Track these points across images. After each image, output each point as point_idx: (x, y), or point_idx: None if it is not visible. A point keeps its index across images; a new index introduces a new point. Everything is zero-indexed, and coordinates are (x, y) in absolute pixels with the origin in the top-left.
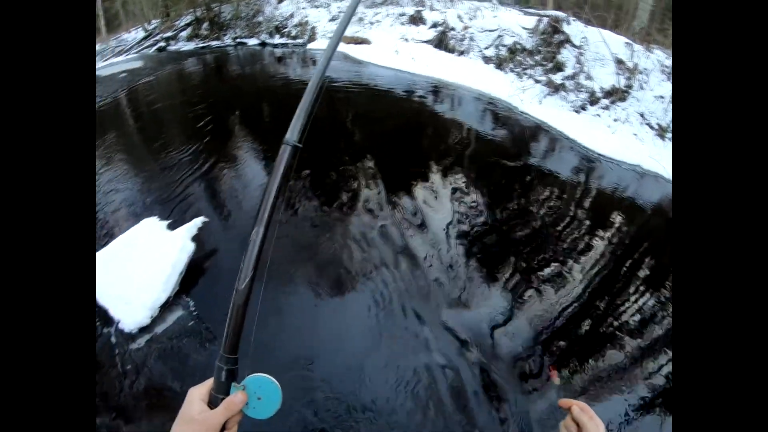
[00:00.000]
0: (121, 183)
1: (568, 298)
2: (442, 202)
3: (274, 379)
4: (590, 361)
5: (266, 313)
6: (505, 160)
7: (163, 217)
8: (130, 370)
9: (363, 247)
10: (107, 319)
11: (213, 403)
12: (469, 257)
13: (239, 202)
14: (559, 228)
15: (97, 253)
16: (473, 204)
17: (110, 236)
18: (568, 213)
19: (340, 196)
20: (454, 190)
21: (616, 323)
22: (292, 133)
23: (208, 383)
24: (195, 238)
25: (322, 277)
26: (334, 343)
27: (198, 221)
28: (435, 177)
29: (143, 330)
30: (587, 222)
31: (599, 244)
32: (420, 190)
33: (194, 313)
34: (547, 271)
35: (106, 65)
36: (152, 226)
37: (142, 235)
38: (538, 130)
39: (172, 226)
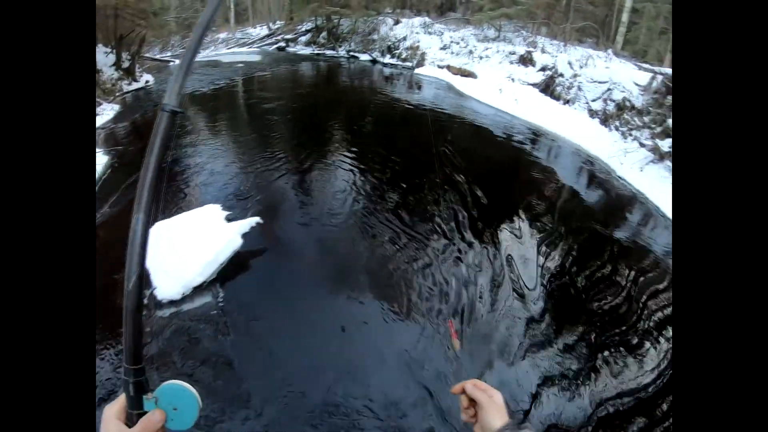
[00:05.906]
0: (210, 163)
1: (629, 383)
2: (527, 254)
3: (187, 385)
4: None
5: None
6: (596, 225)
7: (225, 208)
8: (146, 332)
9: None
10: (147, 282)
11: (129, 420)
12: (550, 317)
13: (315, 209)
14: (640, 304)
15: (159, 222)
16: (558, 262)
17: (180, 210)
18: (653, 292)
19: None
20: (540, 244)
21: None
22: (170, 98)
23: (122, 399)
24: (246, 236)
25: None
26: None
27: (252, 221)
28: (523, 226)
29: (172, 303)
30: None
31: None
32: (506, 236)
33: (220, 304)
34: (617, 348)
35: (228, 53)
36: (213, 213)
37: (202, 218)
38: (633, 200)
39: (230, 218)
